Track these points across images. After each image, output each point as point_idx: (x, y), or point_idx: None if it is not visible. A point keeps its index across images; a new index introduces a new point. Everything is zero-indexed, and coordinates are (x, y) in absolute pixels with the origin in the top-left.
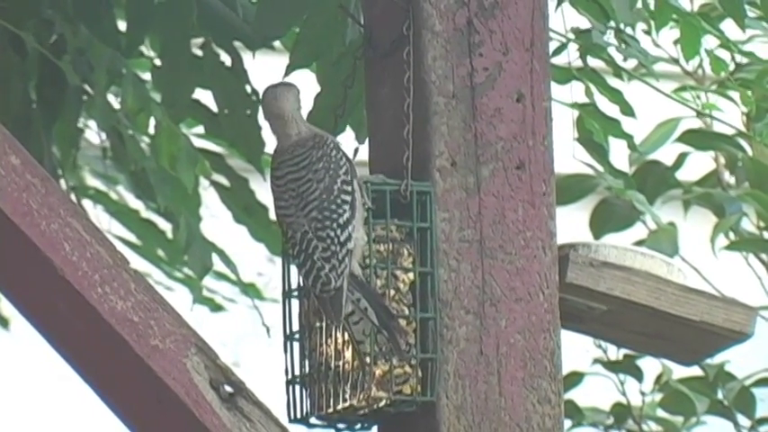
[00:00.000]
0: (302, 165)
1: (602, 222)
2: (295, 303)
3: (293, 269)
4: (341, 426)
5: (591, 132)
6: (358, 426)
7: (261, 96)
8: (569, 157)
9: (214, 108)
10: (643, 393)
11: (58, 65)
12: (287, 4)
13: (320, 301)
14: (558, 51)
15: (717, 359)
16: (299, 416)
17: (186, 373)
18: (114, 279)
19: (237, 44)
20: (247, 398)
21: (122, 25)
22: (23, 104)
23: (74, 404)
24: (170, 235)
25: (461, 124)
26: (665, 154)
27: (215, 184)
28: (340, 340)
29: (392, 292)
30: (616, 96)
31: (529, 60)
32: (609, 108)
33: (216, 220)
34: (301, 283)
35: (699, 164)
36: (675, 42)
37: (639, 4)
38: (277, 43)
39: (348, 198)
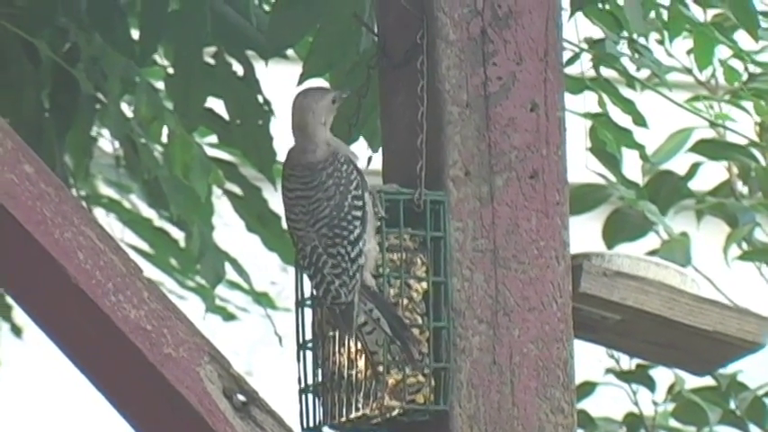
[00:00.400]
0: (311, 185)
1: (616, 232)
2: (308, 312)
3: (306, 279)
4: None
5: (604, 143)
6: None
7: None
8: (582, 167)
9: (227, 117)
10: (655, 403)
11: (72, 73)
12: (300, 12)
13: (332, 313)
14: (571, 61)
15: (729, 369)
16: (311, 425)
17: (199, 382)
18: (128, 287)
19: (250, 53)
20: (260, 407)
21: (136, 34)
22: (36, 113)
23: (87, 412)
24: (182, 244)
25: (475, 134)
26: (678, 164)
27: (228, 193)
28: (353, 349)
29: (405, 301)
30: (629, 107)
31: (543, 70)
32: (621, 118)
33: (229, 229)
34: (314, 293)
35: (712, 174)
36: (689, 52)
37: (652, 15)
38: (291, 52)
39: (359, 213)
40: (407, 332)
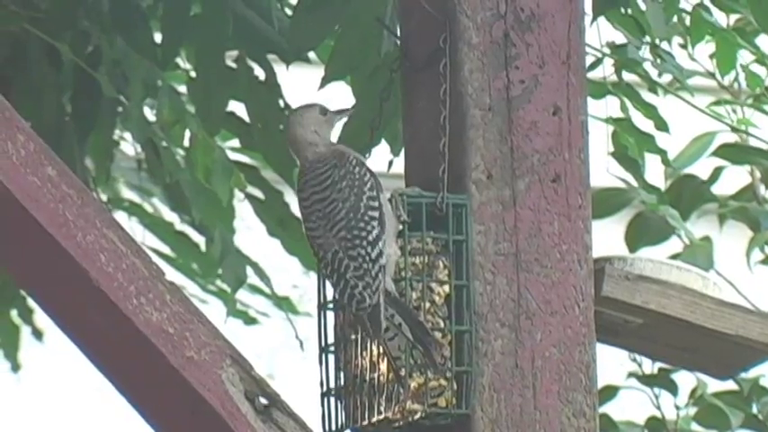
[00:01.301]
0: (325, 185)
1: (638, 236)
2: (330, 316)
3: (328, 282)
4: None
5: (626, 147)
6: None
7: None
8: (604, 171)
9: (249, 121)
10: (678, 407)
11: (94, 76)
12: (321, 15)
13: (358, 319)
14: (593, 66)
15: (751, 373)
16: (333, 428)
17: (221, 385)
18: (150, 290)
19: (272, 57)
20: (282, 410)
21: (158, 37)
22: (57, 116)
23: (108, 415)
24: (203, 248)
25: (497, 137)
26: (701, 168)
27: (249, 196)
28: (375, 353)
29: (427, 304)
30: (651, 112)
31: (565, 74)
32: (643, 123)
33: (251, 233)
34: (337, 300)
35: (734, 178)
36: (711, 56)
37: (675, 19)
38: (313, 56)
39: (376, 214)
40: (429, 337)
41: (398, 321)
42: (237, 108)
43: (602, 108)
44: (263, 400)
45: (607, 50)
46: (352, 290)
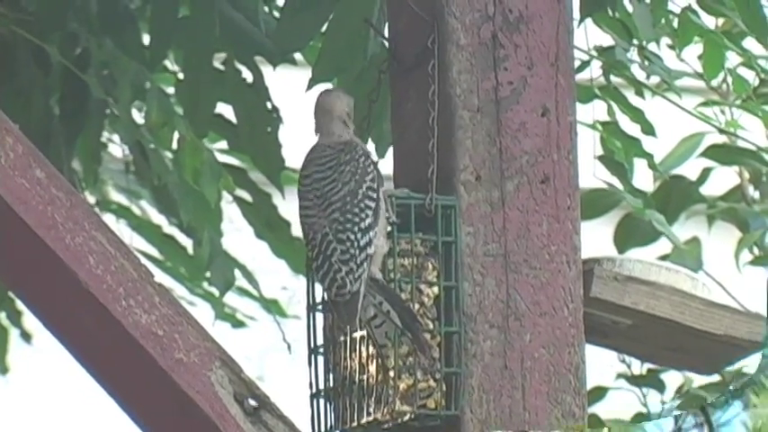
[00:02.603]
0: (329, 165)
1: (627, 237)
2: (319, 317)
3: (318, 283)
4: None
5: (613, 152)
6: None
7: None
8: (591, 174)
9: (236, 123)
10: (663, 402)
11: (83, 78)
12: (308, 16)
13: (335, 305)
14: (580, 69)
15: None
16: (323, 429)
17: (210, 387)
18: (139, 292)
19: (259, 59)
20: (272, 411)
21: (147, 39)
22: (44, 118)
23: (97, 417)
24: (191, 251)
25: (486, 138)
26: (690, 169)
27: (237, 199)
28: (364, 354)
29: (417, 305)
30: (637, 116)
31: (553, 75)
32: (630, 126)
33: (240, 234)
34: (318, 286)
35: (723, 179)
36: (700, 57)
37: (662, 21)
38: (300, 58)
39: (372, 204)
40: (417, 323)
41: (387, 308)
42: (225, 110)
43: (589, 112)
44: (253, 402)
45: (594, 53)
46: (335, 274)
